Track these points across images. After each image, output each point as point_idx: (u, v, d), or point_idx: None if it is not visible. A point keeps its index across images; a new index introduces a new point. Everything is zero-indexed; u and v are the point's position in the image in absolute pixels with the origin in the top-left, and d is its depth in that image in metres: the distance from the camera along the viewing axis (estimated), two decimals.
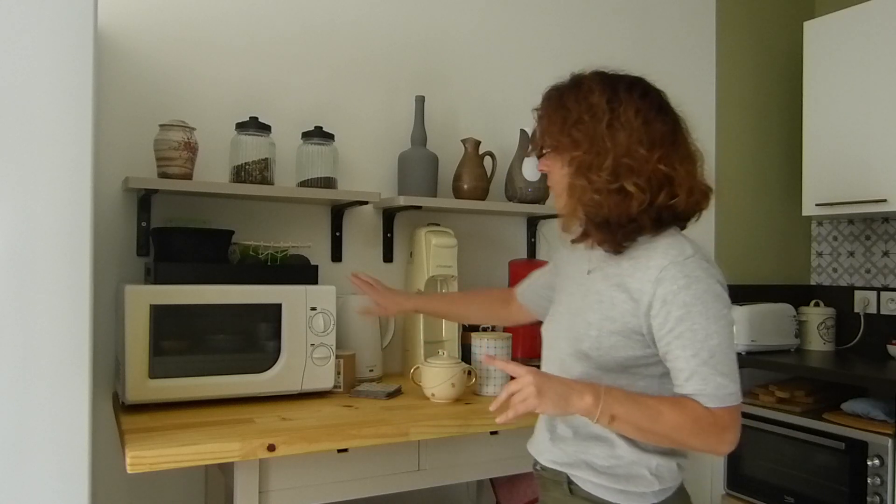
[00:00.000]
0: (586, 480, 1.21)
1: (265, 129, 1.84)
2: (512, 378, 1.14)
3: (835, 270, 3.00)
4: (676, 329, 1.10)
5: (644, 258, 1.16)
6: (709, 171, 1.23)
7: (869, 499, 2.17)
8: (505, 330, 2.18)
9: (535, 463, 1.33)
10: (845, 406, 2.32)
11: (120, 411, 1.55)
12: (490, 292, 1.75)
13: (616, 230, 1.17)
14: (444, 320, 2.10)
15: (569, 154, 1.19)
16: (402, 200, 2.00)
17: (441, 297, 1.86)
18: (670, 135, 1.18)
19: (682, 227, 1.24)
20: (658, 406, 1.09)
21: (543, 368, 1.31)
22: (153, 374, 1.55)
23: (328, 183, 1.93)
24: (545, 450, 1.28)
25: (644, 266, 1.15)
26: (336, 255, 2.11)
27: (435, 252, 2.03)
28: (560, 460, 1.25)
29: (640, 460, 1.17)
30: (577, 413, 1.10)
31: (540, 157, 1.27)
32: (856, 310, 2.86)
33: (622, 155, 1.14)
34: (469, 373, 1.76)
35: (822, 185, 2.67)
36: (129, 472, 1.24)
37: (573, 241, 1.26)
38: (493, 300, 1.67)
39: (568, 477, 1.23)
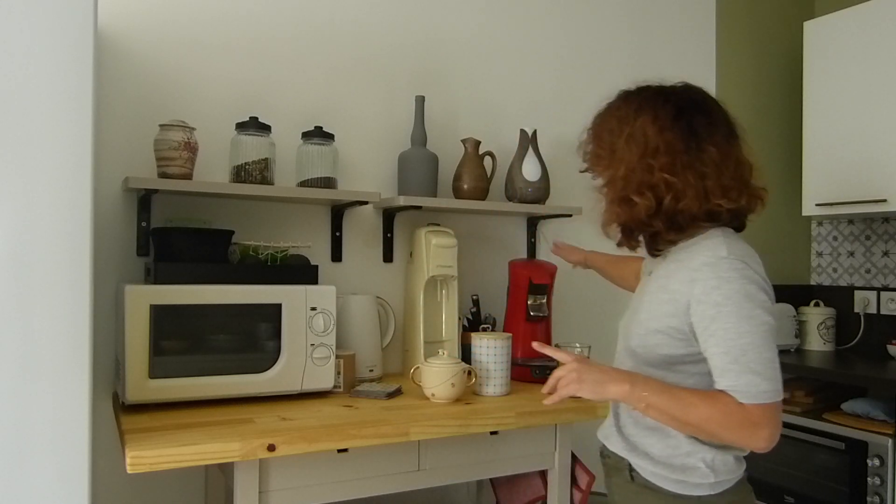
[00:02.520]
0: (645, 469, 1.28)
1: (265, 129, 1.84)
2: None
3: (835, 270, 3.00)
4: (710, 328, 1.15)
5: (686, 260, 1.23)
6: (757, 173, 1.28)
7: (869, 499, 2.17)
8: (505, 330, 2.19)
9: (602, 449, 1.42)
10: (845, 406, 2.32)
11: (120, 411, 1.55)
12: (629, 265, 1.79)
13: (638, 234, 1.29)
14: (444, 320, 2.11)
15: (596, 167, 1.32)
16: (402, 200, 2.00)
17: (605, 258, 1.94)
18: (683, 141, 1.22)
19: (738, 228, 1.29)
20: (691, 398, 1.15)
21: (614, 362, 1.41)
22: (153, 374, 1.55)
23: (328, 183, 1.93)
24: (611, 435, 1.37)
25: (684, 268, 1.22)
26: (336, 255, 2.11)
27: (435, 252, 2.03)
28: (622, 445, 1.33)
29: (694, 451, 1.23)
30: (614, 399, 1.21)
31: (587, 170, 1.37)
32: (856, 310, 2.86)
33: (632, 167, 1.23)
34: (469, 373, 1.76)
35: (822, 185, 2.67)
36: (129, 472, 1.24)
37: (617, 245, 1.35)
38: (630, 274, 1.77)
39: (629, 465, 1.31)
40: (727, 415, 1.12)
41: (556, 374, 1.23)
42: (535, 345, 1.33)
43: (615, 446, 1.35)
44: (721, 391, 1.14)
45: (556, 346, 1.89)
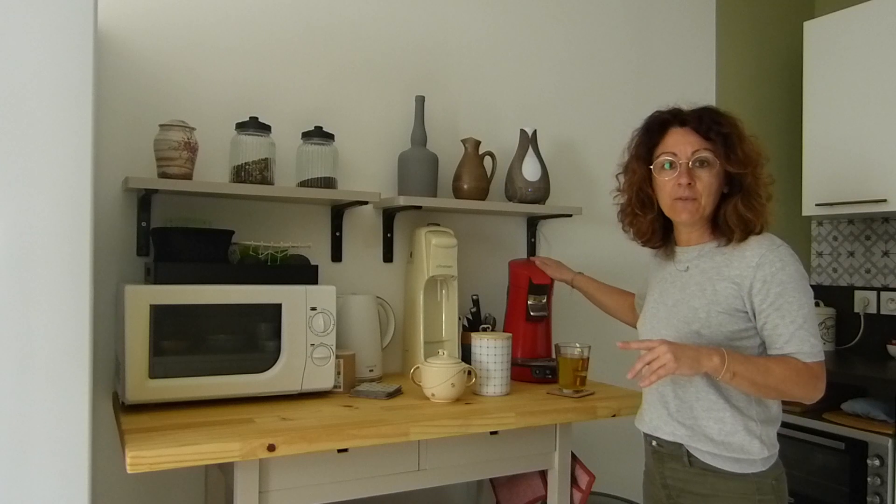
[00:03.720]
0: (704, 452, 1.42)
1: (265, 129, 1.84)
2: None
3: (835, 270, 3.00)
4: (776, 303, 1.35)
5: (738, 252, 1.42)
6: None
7: (869, 499, 2.17)
8: (505, 330, 2.19)
9: (652, 439, 1.52)
10: (845, 406, 2.32)
11: (120, 411, 1.55)
12: (624, 297, 1.93)
13: (751, 231, 1.43)
14: (444, 320, 2.11)
15: (744, 169, 1.42)
16: (402, 200, 2.00)
17: (593, 284, 2.04)
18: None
19: None
20: (767, 363, 1.33)
21: None
22: (153, 374, 1.55)
23: (328, 183, 1.93)
24: (663, 424, 1.48)
25: (740, 257, 1.41)
26: (336, 255, 2.11)
27: (435, 252, 2.03)
28: (682, 432, 1.44)
29: (747, 427, 1.39)
30: (706, 371, 1.31)
31: (701, 166, 1.44)
32: (856, 310, 2.86)
33: (762, 172, 1.44)
34: (469, 373, 1.76)
35: (822, 185, 2.67)
36: (129, 472, 1.24)
37: (689, 233, 1.51)
38: (625, 305, 1.91)
39: (687, 450, 1.44)
40: (798, 373, 1.33)
41: (646, 357, 1.30)
42: (620, 344, 1.38)
43: (672, 435, 1.46)
44: (785, 355, 1.34)
45: (556, 346, 1.90)
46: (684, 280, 1.49)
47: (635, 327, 1.68)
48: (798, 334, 1.34)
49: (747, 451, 1.38)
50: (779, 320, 1.35)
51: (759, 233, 1.43)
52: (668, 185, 1.45)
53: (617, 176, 1.61)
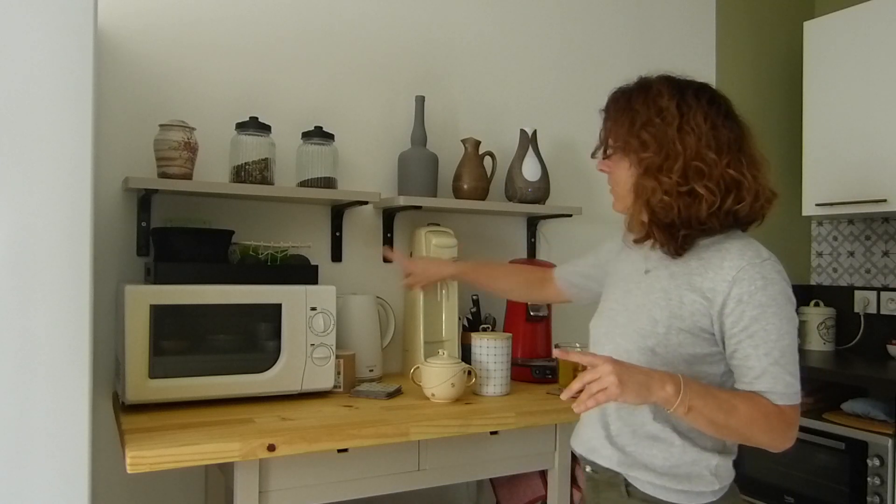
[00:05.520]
0: (645, 482, 1.21)
1: (265, 129, 1.84)
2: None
3: (835, 270, 3.00)
4: (750, 328, 1.13)
5: (716, 259, 1.18)
6: (773, 177, 1.25)
7: (869, 499, 2.17)
8: (505, 330, 2.19)
9: (586, 464, 1.33)
10: (845, 406, 2.32)
11: (120, 411, 1.55)
12: (531, 273, 1.70)
13: (679, 232, 1.19)
14: (443, 320, 2.10)
15: (637, 155, 1.22)
16: (402, 200, 2.00)
17: (483, 268, 1.76)
18: (737, 141, 1.21)
19: (744, 230, 1.25)
20: (732, 401, 1.10)
21: None
22: (153, 374, 1.55)
23: (328, 183, 1.93)
24: (600, 447, 1.27)
25: (717, 266, 1.17)
26: (336, 255, 2.11)
27: (435, 252, 2.03)
28: (617, 460, 1.24)
29: (700, 459, 1.19)
30: (656, 402, 1.10)
31: (605, 157, 1.29)
32: (856, 310, 2.86)
33: (692, 158, 1.17)
34: (469, 373, 1.76)
35: (822, 185, 2.67)
36: (129, 472, 1.25)
37: (636, 241, 1.28)
38: (532, 282, 1.68)
39: (625, 479, 1.23)
40: (767, 416, 1.11)
41: (586, 377, 1.07)
42: (557, 352, 1.20)
43: (608, 461, 1.25)
44: (754, 392, 1.13)
45: (556, 346, 1.90)
46: (650, 282, 1.25)
47: (555, 302, 1.45)
48: (772, 370, 1.11)
49: (695, 484, 1.19)
50: (751, 350, 1.12)
51: (716, 231, 1.20)
52: None
53: None
